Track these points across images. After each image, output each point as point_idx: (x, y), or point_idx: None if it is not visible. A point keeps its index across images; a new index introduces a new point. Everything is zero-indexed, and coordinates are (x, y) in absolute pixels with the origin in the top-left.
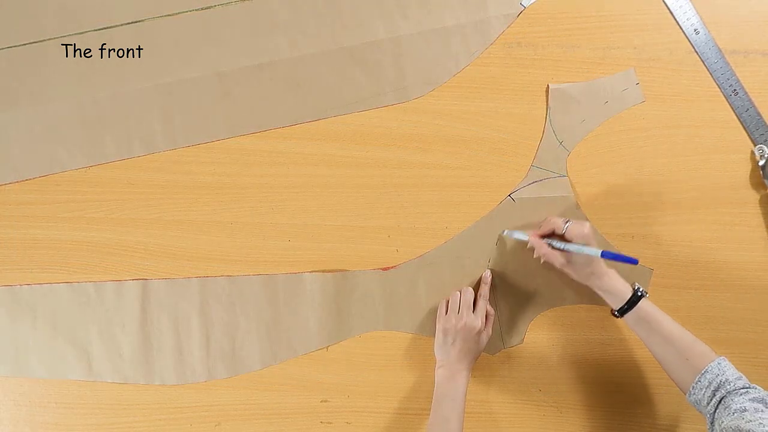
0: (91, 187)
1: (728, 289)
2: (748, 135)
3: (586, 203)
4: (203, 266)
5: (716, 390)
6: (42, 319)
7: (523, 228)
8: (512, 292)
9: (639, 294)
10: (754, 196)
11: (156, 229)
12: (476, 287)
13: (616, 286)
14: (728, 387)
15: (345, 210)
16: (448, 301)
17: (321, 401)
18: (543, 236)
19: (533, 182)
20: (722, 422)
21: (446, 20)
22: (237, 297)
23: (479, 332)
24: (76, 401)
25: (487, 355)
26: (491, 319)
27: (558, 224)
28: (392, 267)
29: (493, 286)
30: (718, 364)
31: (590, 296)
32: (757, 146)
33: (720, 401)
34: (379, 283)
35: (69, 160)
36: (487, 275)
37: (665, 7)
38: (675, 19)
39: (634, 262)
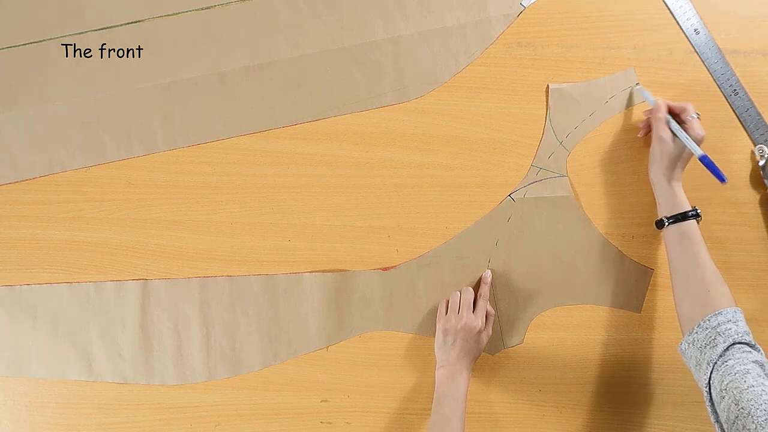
0: (91, 187)
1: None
2: (748, 135)
3: (586, 203)
4: (203, 266)
5: (720, 335)
6: (42, 319)
7: (531, 219)
8: (512, 292)
9: (694, 214)
10: (754, 196)
11: (156, 229)
12: (476, 287)
13: (680, 197)
14: (735, 337)
15: (345, 210)
16: (448, 302)
17: (321, 401)
18: (668, 111)
19: (533, 182)
20: (723, 381)
21: (446, 20)
22: (237, 297)
23: (479, 332)
24: (76, 401)
25: (487, 355)
26: (491, 319)
27: (689, 110)
28: (392, 267)
29: (493, 286)
30: (735, 312)
31: (590, 296)
32: (757, 146)
33: (724, 351)
34: (379, 283)
35: (69, 160)
36: (487, 275)
37: (665, 7)
38: (675, 19)
39: (723, 180)
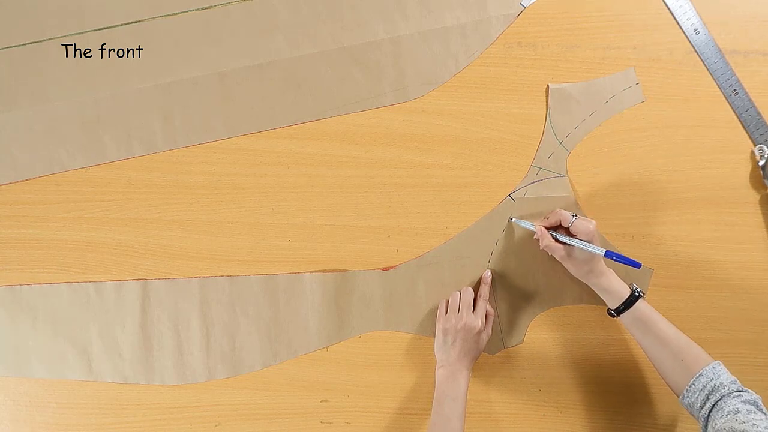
0: (91, 187)
1: (728, 289)
2: (748, 135)
3: (586, 203)
4: (203, 266)
5: (710, 393)
6: (42, 319)
7: (530, 218)
8: (512, 292)
9: (637, 294)
10: (754, 196)
11: (156, 229)
12: (476, 287)
13: (614, 285)
14: (722, 391)
15: (345, 210)
16: (448, 301)
17: (321, 401)
18: (549, 228)
19: (533, 182)
20: (716, 425)
21: (446, 20)
22: (237, 297)
23: (479, 332)
24: (76, 401)
25: (487, 355)
26: (491, 319)
27: (565, 217)
28: (392, 267)
29: (493, 286)
30: (713, 368)
31: (590, 296)
32: (757, 146)
33: (714, 405)
34: (379, 283)
35: (69, 160)
36: (487, 275)
37: (665, 7)
38: (675, 19)
39: (636, 265)
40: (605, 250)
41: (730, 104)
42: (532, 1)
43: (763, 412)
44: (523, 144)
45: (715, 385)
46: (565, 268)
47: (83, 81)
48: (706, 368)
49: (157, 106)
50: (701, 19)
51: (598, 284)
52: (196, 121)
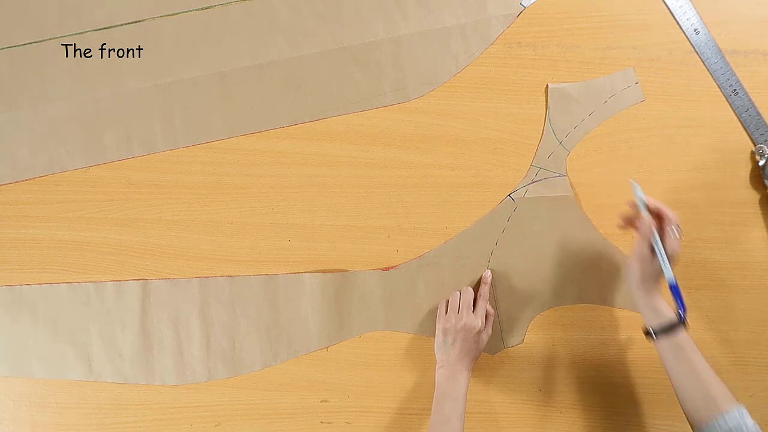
0: (91, 187)
1: (728, 289)
2: (748, 135)
3: (587, 203)
4: (203, 266)
5: None
6: (42, 319)
7: (532, 220)
8: (512, 292)
9: (680, 322)
10: (754, 196)
11: (156, 229)
12: (476, 287)
13: (661, 307)
14: None
15: (345, 210)
16: (447, 301)
17: (321, 401)
18: (651, 212)
19: (533, 182)
20: None
21: (446, 20)
22: (237, 297)
23: (479, 332)
24: (76, 401)
25: (487, 355)
26: (491, 319)
27: (673, 221)
28: (392, 267)
29: (493, 286)
30: (740, 413)
31: (590, 296)
32: (757, 146)
33: None
34: (379, 283)
35: (69, 160)
36: (487, 275)
37: (665, 7)
38: (675, 19)
39: (682, 318)
40: (672, 277)
41: (730, 104)
42: (532, 1)
43: None
44: (523, 144)
45: (740, 428)
46: (569, 269)
47: (83, 81)
48: (734, 411)
49: (157, 106)
50: (701, 19)
51: (646, 301)
52: (196, 121)
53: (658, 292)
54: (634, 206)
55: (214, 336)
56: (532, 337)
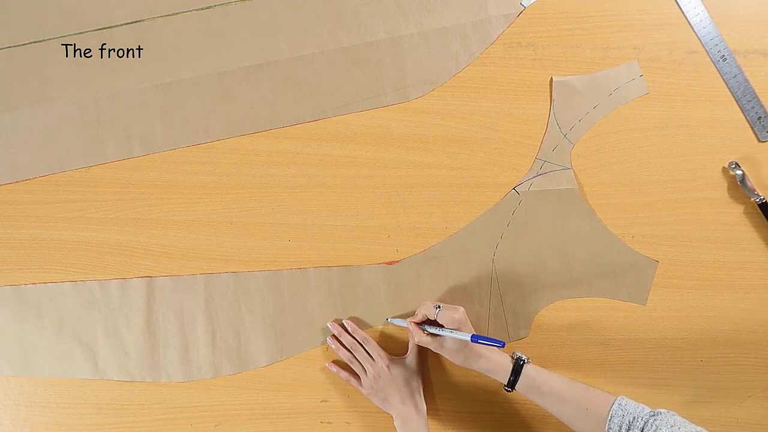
0: (91, 187)
1: (728, 289)
2: (752, 131)
3: (590, 200)
4: (203, 266)
5: (629, 429)
6: (47, 319)
7: (534, 216)
8: (517, 285)
9: (521, 362)
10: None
11: (156, 229)
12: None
13: (495, 362)
14: (638, 422)
15: (345, 210)
16: (352, 373)
17: (321, 401)
18: (420, 322)
19: (538, 175)
20: None
21: (446, 20)
22: (242, 293)
23: (388, 367)
24: (77, 401)
25: None
26: (373, 343)
27: (429, 310)
28: (397, 261)
29: (498, 280)
30: (619, 405)
31: (599, 290)
32: (729, 162)
33: None
34: (384, 277)
35: (69, 160)
36: (345, 325)
37: (666, 6)
38: (675, 19)
39: (501, 344)
40: (471, 334)
41: (737, 101)
42: (532, 1)
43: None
44: (523, 144)
45: (629, 420)
46: (574, 262)
47: (83, 81)
48: (614, 407)
49: (157, 106)
50: (702, 19)
51: (480, 367)
52: (196, 121)
53: (483, 356)
54: (406, 330)
55: (220, 332)
56: (533, 336)
